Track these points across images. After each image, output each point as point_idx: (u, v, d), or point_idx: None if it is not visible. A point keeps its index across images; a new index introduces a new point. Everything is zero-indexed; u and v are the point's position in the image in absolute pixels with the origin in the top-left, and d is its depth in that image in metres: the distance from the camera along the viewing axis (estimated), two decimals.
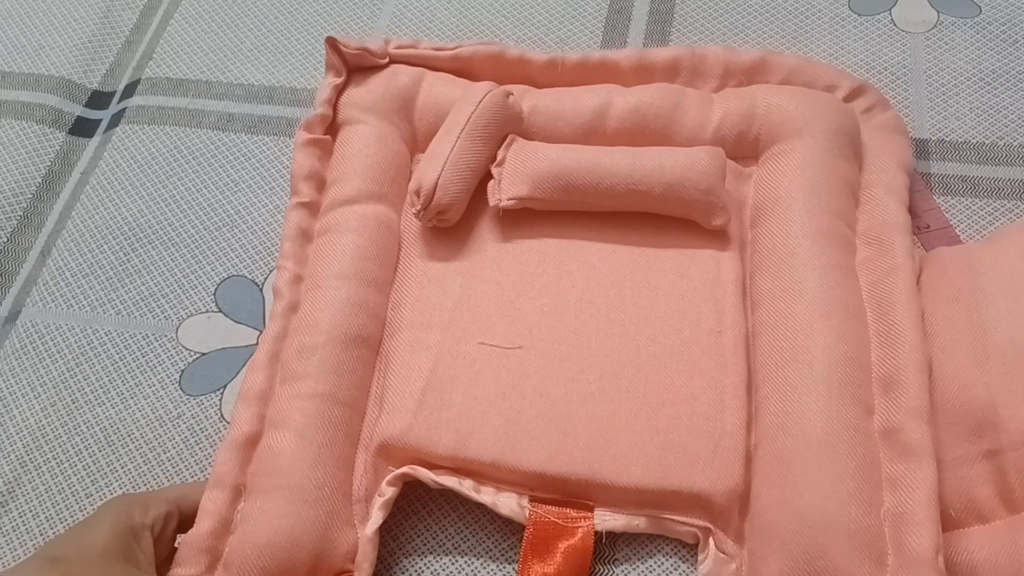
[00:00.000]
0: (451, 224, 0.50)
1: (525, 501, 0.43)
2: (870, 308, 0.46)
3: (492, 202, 0.49)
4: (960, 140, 0.54)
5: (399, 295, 0.50)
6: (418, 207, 0.49)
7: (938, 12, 0.59)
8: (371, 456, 0.45)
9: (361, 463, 0.45)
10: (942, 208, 0.52)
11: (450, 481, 0.44)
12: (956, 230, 0.51)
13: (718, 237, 0.49)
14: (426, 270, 0.50)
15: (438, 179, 0.48)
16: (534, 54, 0.55)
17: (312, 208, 0.52)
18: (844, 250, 0.47)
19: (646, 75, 0.54)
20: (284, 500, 0.42)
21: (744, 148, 0.52)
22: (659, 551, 0.44)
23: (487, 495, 0.44)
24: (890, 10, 0.60)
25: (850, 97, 0.53)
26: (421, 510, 0.46)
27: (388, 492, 0.44)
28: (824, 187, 0.48)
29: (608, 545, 0.44)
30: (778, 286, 0.46)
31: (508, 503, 0.43)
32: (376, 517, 0.43)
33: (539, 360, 0.46)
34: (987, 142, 0.54)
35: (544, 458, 0.43)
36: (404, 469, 0.44)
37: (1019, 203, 0.52)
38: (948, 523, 0.41)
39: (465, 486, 0.44)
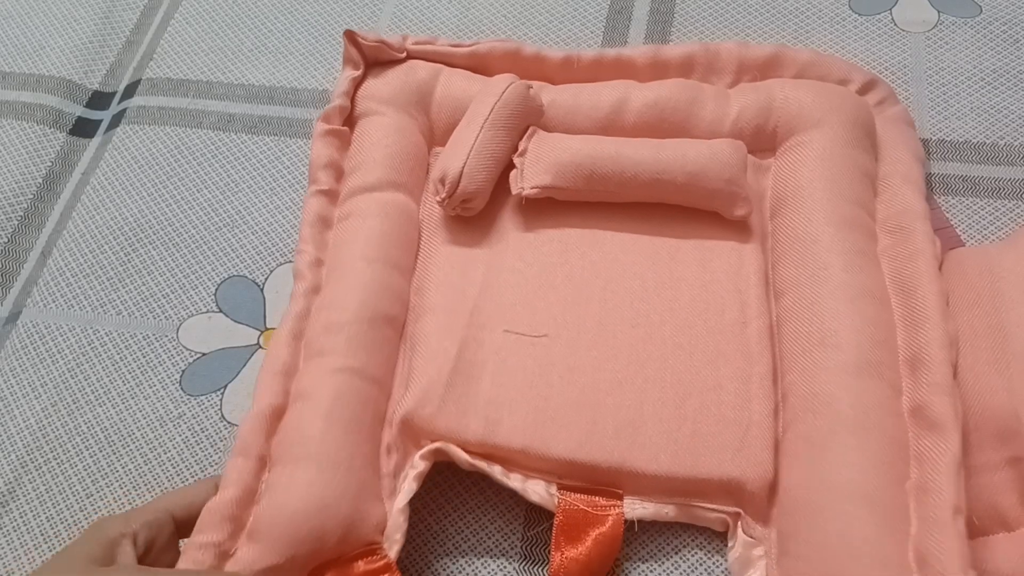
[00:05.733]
0: (474, 213, 0.50)
1: (554, 488, 0.43)
2: (894, 294, 0.46)
3: (515, 191, 0.49)
4: (961, 140, 0.54)
5: (421, 282, 0.49)
6: (443, 195, 0.48)
7: (939, 12, 0.59)
8: (397, 435, 0.44)
9: (387, 441, 0.45)
10: (943, 208, 0.52)
11: (480, 463, 0.43)
12: (957, 230, 0.51)
13: (739, 229, 0.50)
14: (448, 258, 0.50)
15: (463, 167, 0.48)
16: (550, 51, 0.55)
17: (331, 196, 0.52)
18: (866, 237, 0.47)
19: (661, 72, 0.54)
20: (316, 468, 0.41)
21: (762, 141, 0.52)
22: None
23: (516, 481, 0.43)
24: (891, 10, 0.60)
25: (862, 91, 0.53)
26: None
27: (421, 465, 0.43)
28: (844, 176, 0.48)
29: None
30: (803, 273, 0.46)
31: (537, 489, 0.43)
32: (409, 488, 0.43)
33: (565, 349, 0.46)
34: (988, 142, 0.54)
35: (573, 445, 0.43)
36: (438, 445, 0.43)
37: (1020, 203, 0.52)
38: (973, 531, 0.40)
39: (494, 471, 0.43)
